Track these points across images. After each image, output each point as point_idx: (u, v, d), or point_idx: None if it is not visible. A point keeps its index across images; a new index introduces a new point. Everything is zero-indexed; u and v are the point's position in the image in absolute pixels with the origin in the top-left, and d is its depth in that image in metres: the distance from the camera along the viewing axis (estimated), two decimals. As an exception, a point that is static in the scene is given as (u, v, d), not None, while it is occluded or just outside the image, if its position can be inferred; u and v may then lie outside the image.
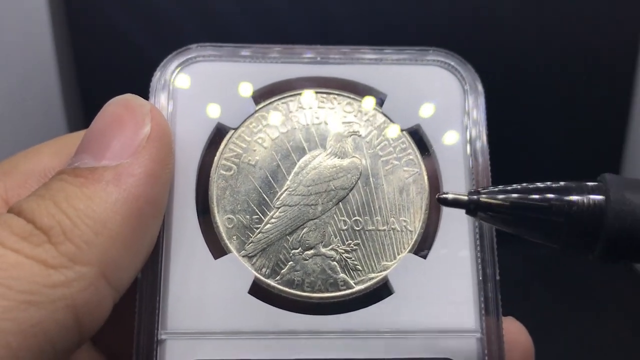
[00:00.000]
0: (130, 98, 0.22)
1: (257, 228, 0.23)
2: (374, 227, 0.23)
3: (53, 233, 0.19)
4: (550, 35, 0.62)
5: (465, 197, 0.20)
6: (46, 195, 0.20)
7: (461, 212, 0.23)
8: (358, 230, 0.23)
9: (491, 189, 0.20)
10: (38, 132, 0.65)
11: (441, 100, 0.24)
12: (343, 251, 0.23)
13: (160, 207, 0.22)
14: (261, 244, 0.23)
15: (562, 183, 0.20)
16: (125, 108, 0.22)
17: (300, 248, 0.23)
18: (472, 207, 0.20)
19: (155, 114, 0.22)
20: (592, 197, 0.20)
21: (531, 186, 0.20)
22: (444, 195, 0.21)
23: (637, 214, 0.19)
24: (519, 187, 0.20)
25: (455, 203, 0.21)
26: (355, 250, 0.23)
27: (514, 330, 0.23)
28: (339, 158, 0.24)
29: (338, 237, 0.23)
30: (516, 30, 0.62)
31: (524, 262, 0.56)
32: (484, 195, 0.20)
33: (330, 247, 0.23)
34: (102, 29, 0.62)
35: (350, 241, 0.23)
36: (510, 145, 0.62)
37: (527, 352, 0.23)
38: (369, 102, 0.25)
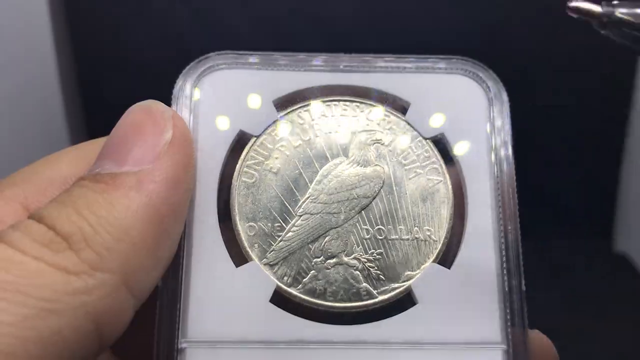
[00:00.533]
0: (151, 104, 0.22)
1: (278, 236, 0.23)
2: (397, 237, 0.23)
3: (74, 240, 0.19)
4: (568, 37, 0.62)
5: (599, 9, 0.20)
6: (67, 201, 0.20)
7: (485, 222, 0.23)
8: (381, 239, 0.23)
9: (624, 2, 0.20)
10: (38, 133, 0.64)
11: (465, 109, 0.24)
12: (366, 260, 0.23)
13: (182, 214, 0.21)
14: (283, 252, 0.23)
15: None
16: (147, 114, 0.22)
17: (322, 257, 0.23)
18: (604, 20, 0.20)
19: (177, 120, 0.22)
20: None
21: None
22: (576, 4, 0.20)
23: None
24: None
25: (587, 13, 0.20)
26: (378, 259, 0.23)
27: (540, 344, 0.23)
28: (361, 166, 0.24)
29: (361, 246, 0.23)
30: (534, 34, 0.62)
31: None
32: (620, 9, 0.20)
33: (353, 256, 0.23)
34: (103, 29, 0.61)
35: (373, 250, 0.23)
36: (535, 150, 0.63)
37: None
38: (392, 110, 0.25)
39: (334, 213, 0.23)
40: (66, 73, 0.63)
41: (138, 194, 0.20)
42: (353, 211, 0.23)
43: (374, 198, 0.24)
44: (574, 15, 0.20)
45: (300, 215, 0.23)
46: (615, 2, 0.20)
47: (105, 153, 0.21)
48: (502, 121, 0.24)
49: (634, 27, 0.19)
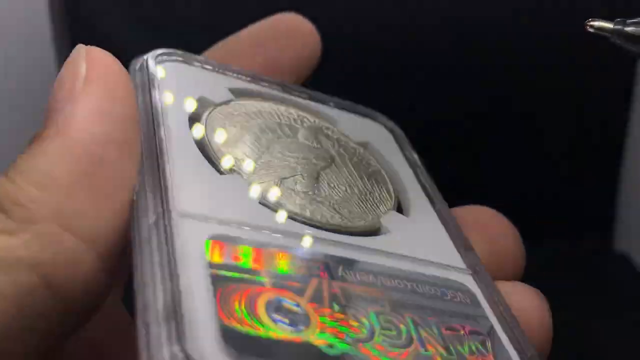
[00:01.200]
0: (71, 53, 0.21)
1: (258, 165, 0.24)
2: (357, 192, 0.25)
3: (2, 203, 0.19)
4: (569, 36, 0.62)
5: (611, 26, 0.23)
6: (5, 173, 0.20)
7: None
8: (343, 193, 0.25)
9: (633, 20, 0.22)
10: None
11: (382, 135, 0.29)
12: (334, 201, 0.24)
13: (121, 145, 0.20)
14: (262, 174, 0.24)
15: None
16: (64, 66, 0.21)
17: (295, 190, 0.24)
18: (617, 35, 0.22)
19: (91, 54, 0.21)
20: None
21: None
22: (591, 22, 0.23)
23: None
24: None
25: (601, 29, 0.23)
26: (346, 201, 0.24)
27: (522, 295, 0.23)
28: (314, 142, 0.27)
29: (328, 191, 0.24)
30: (534, 32, 0.62)
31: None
32: (629, 27, 0.22)
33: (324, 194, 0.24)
34: (102, 30, 0.61)
35: (338, 197, 0.24)
36: (534, 150, 0.63)
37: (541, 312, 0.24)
38: (329, 123, 0.28)
39: (297, 164, 0.25)
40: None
41: (59, 137, 0.19)
42: (313, 173, 0.25)
43: (328, 166, 0.26)
44: (592, 31, 0.23)
45: (268, 161, 0.24)
46: (626, 20, 0.23)
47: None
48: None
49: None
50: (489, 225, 0.25)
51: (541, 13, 0.62)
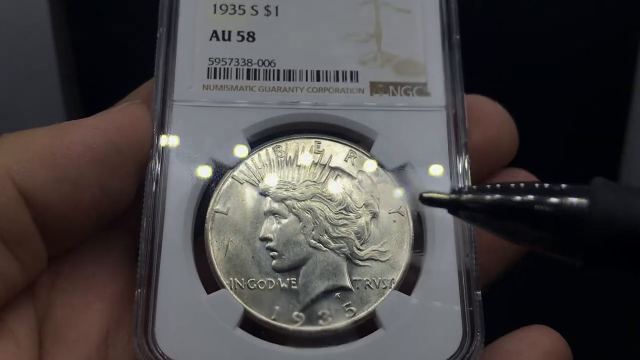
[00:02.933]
0: None
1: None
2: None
3: None
4: (568, 37, 0.62)
5: (447, 197, 0.20)
6: None
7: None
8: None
9: (474, 187, 0.20)
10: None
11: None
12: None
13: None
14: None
15: (546, 185, 0.19)
16: None
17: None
18: (454, 206, 0.20)
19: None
20: (576, 200, 0.19)
21: (514, 186, 0.19)
22: (426, 195, 0.20)
23: (622, 221, 0.18)
24: (502, 186, 0.20)
25: (437, 202, 0.20)
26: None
27: None
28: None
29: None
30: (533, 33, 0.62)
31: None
32: (465, 195, 0.20)
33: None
34: (103, 27, 0.61)
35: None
36: (534, 150, 0.62)
37: None
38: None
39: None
40: (66, 72, 0.63)
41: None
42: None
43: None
44: (427, 205, 0.21)
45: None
46: (463, 188, 0.20)
47: None
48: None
49: (478, 210, 0.20)
50: (482, 115, 0.25)
51: (541, 13, 0.62)
